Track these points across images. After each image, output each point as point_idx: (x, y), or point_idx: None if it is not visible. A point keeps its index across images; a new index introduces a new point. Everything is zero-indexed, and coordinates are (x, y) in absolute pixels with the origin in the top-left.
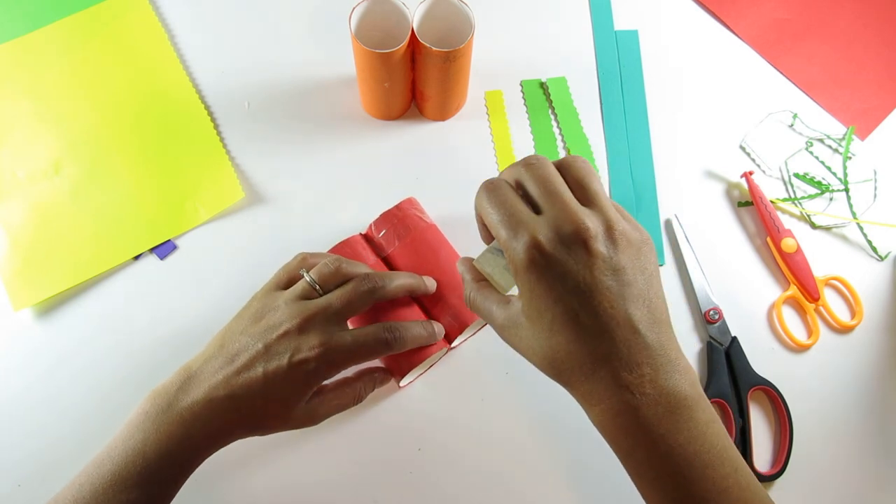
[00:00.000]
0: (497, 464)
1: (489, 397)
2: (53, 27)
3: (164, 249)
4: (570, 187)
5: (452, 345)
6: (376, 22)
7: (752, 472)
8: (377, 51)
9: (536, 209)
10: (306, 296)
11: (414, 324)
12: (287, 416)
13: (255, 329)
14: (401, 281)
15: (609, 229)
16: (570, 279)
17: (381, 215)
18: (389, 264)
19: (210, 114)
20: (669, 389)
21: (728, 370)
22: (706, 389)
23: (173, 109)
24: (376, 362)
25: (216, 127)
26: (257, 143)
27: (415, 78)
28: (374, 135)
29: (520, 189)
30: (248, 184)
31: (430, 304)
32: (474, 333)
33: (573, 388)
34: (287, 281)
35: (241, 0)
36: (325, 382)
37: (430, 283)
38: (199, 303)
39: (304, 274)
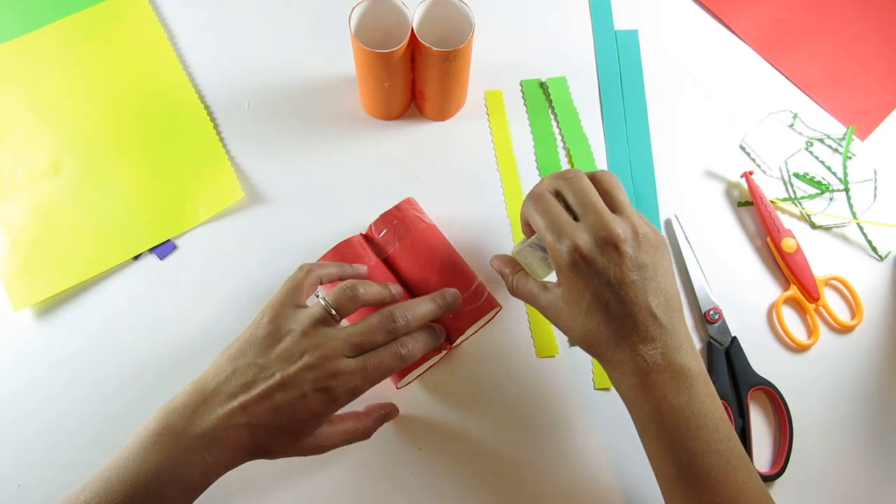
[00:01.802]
0: (497, 463)
1: (489, 397)
2: (53, 27)
3: (163, 249)
4: (601, 197)
5: (453, 344)
6: (376, 22)
7: (742, 448)
8: (377, 51)
9: (574, 216)
10: (323, 321)
11: (420, 335)
12: (297, 445)
13: (271, 356)
14: (423, 310)
15: (635, 233)
16: (603, 275)
17: (381, 216)
18: (390, 265)
19: (210, 114)
20: (677, 361)
21: (728, 370)
22: None
23: (173, 109)
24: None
25: (216, 127)
26: (257, 143)
27: (415, 78)
28: (374, 135)
29: (559, 197)
30: (247, 184)
31: None
32: (475, 332)
33: (601, 356)
34: (295, 297)
35: (241, 0)
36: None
37: (453, 299)
38: (198, 303)
39: (320, 298)
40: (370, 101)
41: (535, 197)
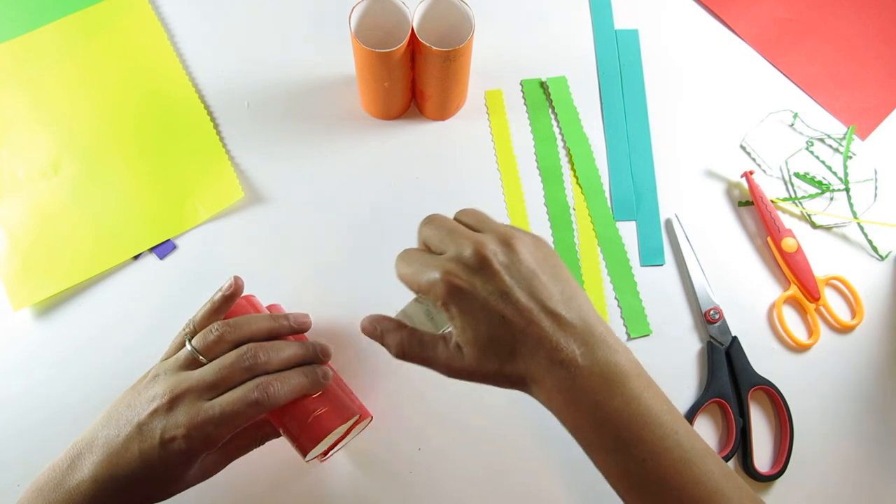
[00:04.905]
0: (497, 463)
1: (489, 397)
2: (53, 26)
3: (163, 249)
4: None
5: (307, 459)
6: (376, 21)
7: (695, 435)
8: (377, 50)
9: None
10: (188, 365)
11: (292, 373)
12: (173, 488)
13: (136, 403)
14: (287, 353)
15: (503, 237)
16: (486, 287)
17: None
18: None
19: (210, 113)
20: (601, 361)
21: (728, 370)
22: (707, 389)
23: (173, 109)
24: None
25: (216, 127)
26: (257, 142)
27: (415, 77)
28: (374, 134)
29: (427, 248)
30: (247, 183)
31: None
32: (346, 444)
33: (523, 383)
34: (177, 350)
35: (240, 0)
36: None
37: (325, 350)
38: (198, 303)
39: (188, 342)
40: (370, 101)
41: (399, 255)
